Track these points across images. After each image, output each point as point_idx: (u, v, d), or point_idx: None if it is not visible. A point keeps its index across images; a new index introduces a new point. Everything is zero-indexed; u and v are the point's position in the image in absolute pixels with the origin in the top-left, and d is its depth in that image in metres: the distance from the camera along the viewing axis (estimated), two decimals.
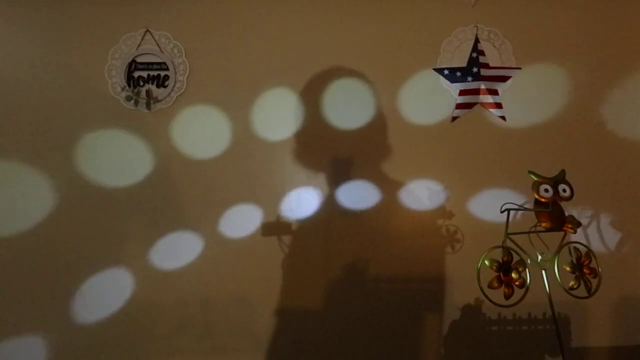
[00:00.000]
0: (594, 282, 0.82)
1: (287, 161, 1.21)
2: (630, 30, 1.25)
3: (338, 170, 1.21)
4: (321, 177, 1.21)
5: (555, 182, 0.82)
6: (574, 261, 0.82)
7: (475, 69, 1.21)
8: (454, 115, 1.22)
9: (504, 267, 0.78)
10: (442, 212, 1.21)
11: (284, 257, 1.20)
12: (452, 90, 1.22)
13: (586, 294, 0.81)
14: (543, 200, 0.80)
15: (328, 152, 1.22)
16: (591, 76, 1.23)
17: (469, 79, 1.21)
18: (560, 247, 0.82)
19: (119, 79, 1.19)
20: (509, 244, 0.80)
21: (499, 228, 0.81)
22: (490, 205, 1.19)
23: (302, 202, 1.20)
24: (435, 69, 1.23)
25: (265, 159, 1.21)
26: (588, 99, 1.23)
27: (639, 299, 1.22)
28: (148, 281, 1.18)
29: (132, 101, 1.18)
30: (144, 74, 1.20)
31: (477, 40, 1.22)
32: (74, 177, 1.19)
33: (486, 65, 1.22)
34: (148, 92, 1.19)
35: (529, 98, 1.23)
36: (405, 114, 1.22)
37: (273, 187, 1.21)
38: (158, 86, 1.20)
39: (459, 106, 1.21)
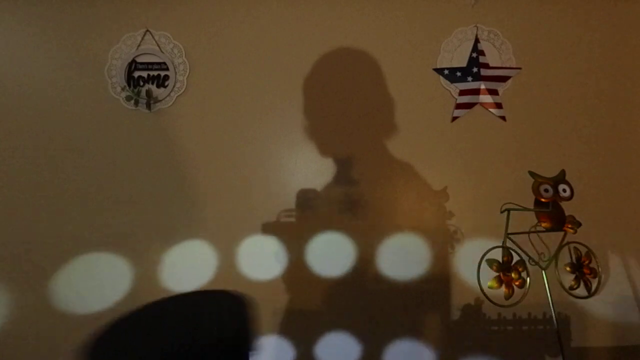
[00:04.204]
0: (594, 282, 0.82)
1: (288, 158, 1.21)
2: (630, 29, 1.25)
3: (338, 169, 1.21)
4: (321, 176, 1.21)
5: (555, 182, 0.82)
6: (574, 261, 0.82)
7: (475, 69, 1.21)
8: (454, 115, 1.22)
9: (504, 267, 0.78)
10: (442, 212, 1.21)
11: (283, 256, 1.20)
12: (452, 90, 1.22)
13: (586, 294, 0.81)
14: (543, 200, 0.80)
15: (328, 149, 1.21)
16: (590, 76, 1.24)
17: (469, 79, 1.21)
18: (560, 247, 0.82)
19: (119, 79, 1.19)
20: (509, 244, 0.80)
21: (499, 228, 0.81)
22: (490, 205, 1.19)
23: (303, 202, 1.21)
24: (435, 69, 1.23)
25: (265, 156, 1.21)
26: (588, 99, 1.23)
27: (639, 299, 1.22)
28: (149, 281, 1.18)
29: (132, 101, 1.18)
30: (144, 74, 1.20)
31: (477, 40, 1.22)
32: (74, 175, 1.19)
33: (486, 65, 1.22)
34: (148, 92, 1.19)
35: (529, 98, 1.23)
36: (405, 114, 1.22)
37: (273, 185, 1.21)
38: (158, 86, 1.20)
39: (459, 106, 1.21)
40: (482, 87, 1.21)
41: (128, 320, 0.44)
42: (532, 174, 0.83)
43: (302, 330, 1.19)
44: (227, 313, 0.42)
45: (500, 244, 0.80)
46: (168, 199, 1.20)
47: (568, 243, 0.83)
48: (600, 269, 0.82)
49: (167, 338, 0.37)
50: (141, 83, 1.20)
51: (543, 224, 0.81)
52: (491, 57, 1.22)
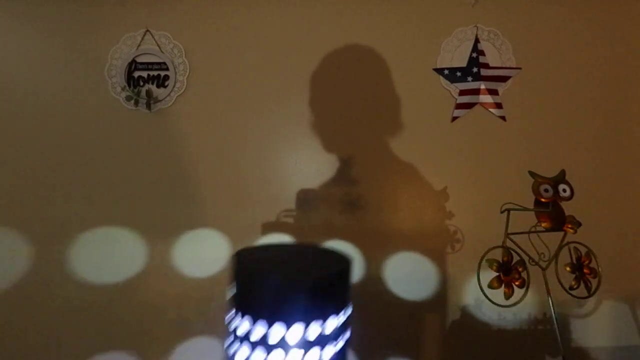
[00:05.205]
0: (594, 282, 0.82)
1: (288, 158, 1.21)
2: (629, 29, 1.25)
3: (338, 169, 1.21)
4: (321, 176, 1.21)
5: (555, 182, 0.82)
6: (574, 261, 0.82)
7: (475, 69, 1.21)
8: (454, 115, 1.22)
9: (504, 267, 0.78)
10: (442, 212, 1.21)
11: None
12: (452, 90, 1.22)
13: (586, 294, 0.81)
14: (543, 200, 0.80)
15: (328, 149, 1.21)
16: (590, 76, 1.24)
17: (469, 79, 1.21)
18: (560, 247, 0.82)
19: (119, 79, 1.19)
20: (509, 244, 0.80)
21: (499, 228, 0.81)
22: (490, 205, 1.19)
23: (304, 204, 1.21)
24: (435, 69, 1.23)
25: (265, 156, 1.22)
26: (588, 99, 1.23)
27: (639, 299, 1.22)
28: (149, 281, 1.18)
29: (132, 101, 1.18)
30: (144, 74, 1.20)
31: (477, 40, 1.22)
32: (74, 175, 1.19)
33: (486, 65, 1.22)
34: (148, 92, 1.19)
35: (529, 98, 1.23)
36: (406, 114, 1.22)
37: (273, 185, 1.21)
38: (158, 86, 1.20)
39: (459, 106, 1.21)
40: (482, 87, 1.21)
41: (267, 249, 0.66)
42: (532, 174, 0.83)
43: None
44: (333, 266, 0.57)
45: (500, 244, 0.80)
46: (168, 199, 1.20)
47: (568, 243, 0.83)
48: (600, 269, 0.82)
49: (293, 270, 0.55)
50: (141, 83, 1.20)
51: (543, 224, 0.81)
52: (491, 57, 1.22)
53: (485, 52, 1.22)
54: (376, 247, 1.20)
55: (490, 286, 0.77)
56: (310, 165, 1.21)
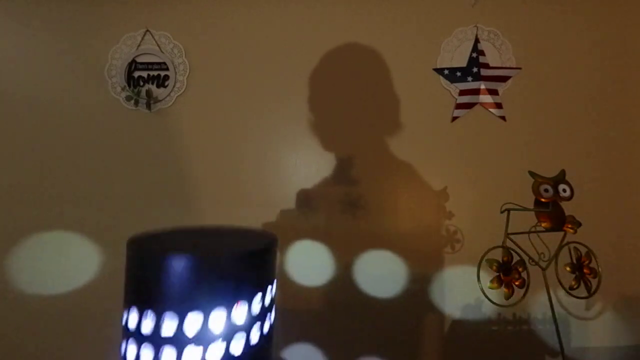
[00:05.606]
0: (594, 282, 0.82)
1: (288, 158, 1.21)
2: (629, 29, 1.25)
3: (338, 169, 1.21)
4: (321, 176, 1.21)
5: (555, 182, 0.82)
6: (574, 261, 0.83)
7: (475, 69, 1.21)
8: (454, 115, 1.22)
9: (504, 267, 0.78)
10: (442, 212, 1.21)
11: (283, 257, 1.20)
12: (452, 90, 1.22)
13: (586, 294, 0.81)
14: (543, 200, 0.80)
15: (328, 149, 1.22)
16: (590, 76, 1.24)
17: (469, 79, 1.21)
18: (560, 247, 0.82)
19: (119, 79, 1.19)
20: (509, 244, 0.80)
21: (499, 228, 0.81)
22: (490, 205, 1.19)
23: (302, 204, 1.21)
24: (435, 69, 1.23)
25: (265, 156, 1.22)
26: (588, 99, 1.23)
27: (639, 299, 1.22)
28: None
29: (132, 101, 1.18)
30: (144, 74, 1.20)
31: (477, 40, 1.22)
32: (74, 175, 1.19)
33: (486, 65, 1.22)
34: (148, 92, 1.19)
35: (529, 98, 1.23)
36: (405, 114, 1.22)
37: (272, 185, 1.21)
38: (158, 86, 1.20)
39: (459, 106, 1.21)
40: (482, 87, 1.21)
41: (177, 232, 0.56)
42: (532, 174, 0.83)
43: (304, 331, 1.19)
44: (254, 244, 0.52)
45: (500, 244, 0.80)
46: (168, 199, 1.20)
47: (568, 243, 0.83)
48: (600, 269, 0.82)
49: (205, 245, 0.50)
50: (141, 83, 1.20)
51: (543, 224, 0.82)
52: (491, 57, 1.22)
53: (485, 52, 1.22)
54: (376, 247, 1.20)
55: (490, 286, 0.77)
56: (310, 165, 1.21)
